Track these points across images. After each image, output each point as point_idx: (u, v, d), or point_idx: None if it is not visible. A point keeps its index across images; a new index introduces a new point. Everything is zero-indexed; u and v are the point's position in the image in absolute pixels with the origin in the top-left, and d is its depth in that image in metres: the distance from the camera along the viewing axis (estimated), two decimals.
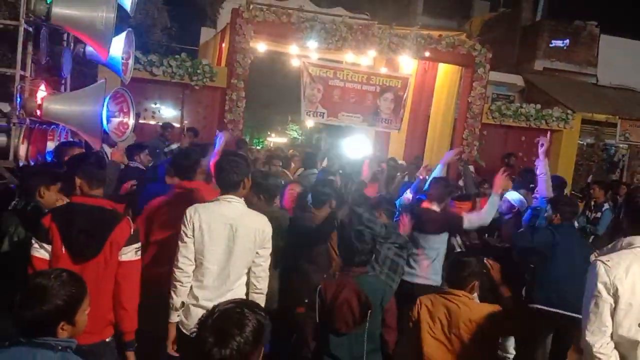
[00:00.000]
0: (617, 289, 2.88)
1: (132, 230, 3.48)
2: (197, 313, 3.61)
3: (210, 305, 3.58)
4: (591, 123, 14.39)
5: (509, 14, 19.42)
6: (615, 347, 2.93)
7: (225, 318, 1.92)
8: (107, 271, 3.42)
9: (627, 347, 2.90)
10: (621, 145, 15.70)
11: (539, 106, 13.00)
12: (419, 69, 12.72)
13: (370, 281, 3.82)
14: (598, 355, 2.91)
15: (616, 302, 2.89)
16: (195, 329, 1.97)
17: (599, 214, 8.63)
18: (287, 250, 4.55)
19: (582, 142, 14.45)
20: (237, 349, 1.85)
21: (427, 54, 11.31)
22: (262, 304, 3.73)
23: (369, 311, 3.60)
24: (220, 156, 4.19)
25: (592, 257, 3.03)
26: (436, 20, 19.23)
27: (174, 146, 8.26)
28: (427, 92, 12.83)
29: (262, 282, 3.82)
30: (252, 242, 3.70)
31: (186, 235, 3.63)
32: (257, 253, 3.76)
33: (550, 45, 16.92)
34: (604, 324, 2.91)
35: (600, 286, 2.91)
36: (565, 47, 16.82)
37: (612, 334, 2.93)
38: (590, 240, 8.43)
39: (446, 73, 12.49)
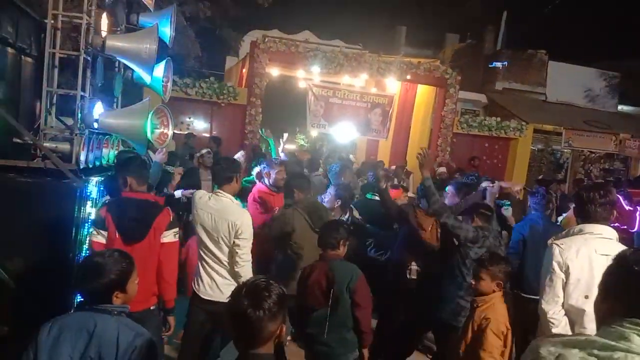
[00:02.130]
0: (568, 267, 2.86)
1: (171, 217, 3.50)
2: (205, 277, 3.78)
3: (211, 271, 3.73)
4: (541, 132, 14.36)
5: (475, 45, 19.43)
6: (566, 314, 2.91)
7: (256, 286, 1.95)
8: (152, 251, 3.44)
9: (575, 314, 2.89)
10: (565, 150, 15.71)
11: (499, 119, 12.98)
12: (402, 89, 12.68)
13: (340, 265, 3.63)
14: (551, 320, 2.89)
15: (567, 277, 2.88)
16: (230, 298, 1.99)
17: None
18: None
19: (534, 148, 14.40)
20: (268, 309, 1.88)
21: (408, 77, 11.31)
22: None
23: (332, 289, 3.45)
24: (219, 158, 4.30)
25: (549, 241, 3.00)
26: (416, 50, 19.18)
27: (204, 151, 8.20)
28: (409, 108, 12.80)
29: (239, 267, 3.70)
30: (227, 232, 3.67)
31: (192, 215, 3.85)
32: (234, 242, 3.68)
33: (490, 65, 17.05)
34: (557, 295, 2.89)
35: (555, 264, 2.89)
36: (502, 68, 16.87)
37: (563, 303, 2.91)
38: None
39: (424, 92, 12.47)
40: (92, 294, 2.21)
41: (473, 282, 3.34)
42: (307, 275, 3.63)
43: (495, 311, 3.20)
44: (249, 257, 3.75)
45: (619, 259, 1.48)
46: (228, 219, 3.67)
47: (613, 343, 1.34)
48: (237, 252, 3.69)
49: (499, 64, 17.02)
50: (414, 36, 21.51)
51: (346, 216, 5.00)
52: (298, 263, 4.44)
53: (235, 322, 1.93)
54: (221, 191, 3.77)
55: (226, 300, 3.69)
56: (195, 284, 3.82)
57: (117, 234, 3.39)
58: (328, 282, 3.48)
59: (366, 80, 12.05)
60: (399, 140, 12.82)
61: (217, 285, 3.77)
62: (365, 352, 3.66)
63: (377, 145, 13.39)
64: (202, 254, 3.79)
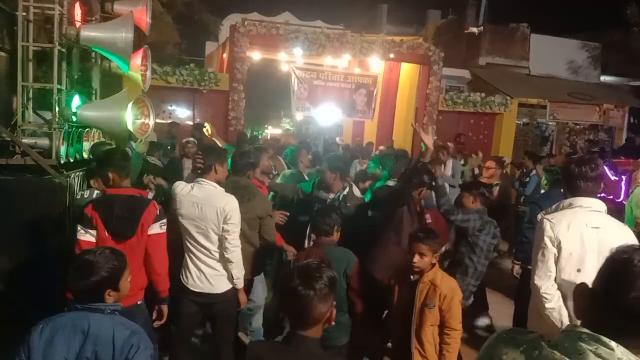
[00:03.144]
0: (560, 241, 2.87)
1: (157, 210, 3.45)
2: (193, 270, 3.75)
3: (200, 264, 3.69)
4: (526, 106, 14.38)
5: (457, 21, 19.36)
6: (558, 289, 2.92)
7: (308, 267, 2.00)
8: (139, 246, 3.41)
9: (567, 288, 2.89)
10: (550, 123, 15.80)
11: (483, 94, 12.96)
12: (385, 68, 12.62)
13: (335, 250, 3.65)
14: (544, 295, 2.90)
15: (559, 252, 2.88)
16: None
17: (527, 179, 8.64)
18: None
19: (519, 122, 14.44)
20: (319, 289, 1.91)
21: (391, 55, 11.21)
22: (237, 273, 3.74)
23: None
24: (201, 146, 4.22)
25: (539, 216, 3.00)
26: (398, 28, 19.10)
27: (187, 140, 8.07)
28: (393, 87, 12.74)
29: (230, 253, 3.68)
30: (215, 218, 3.63)
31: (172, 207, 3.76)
32: (223, 228, 3.65)
33: (466, 31, 17.22)
34: (549, 270, 2.90)
35: (546, 239, 2.89)
36: (478, 33, 17.21)
37: (555, 278, 2.92)
38: (522, 199, 8.44)
39: (408, 70, 12.41)
40: (83, 293, 2.17)
41: (415, 261, 3.35)
42: (298, 259, 3.62)
43: (450, 282, 3.40)
44: (239, 242, 3.73)
45: (617, 256, 1.31)
46: (215, 205, 3.63)
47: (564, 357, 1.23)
48: (226, 238, 3.65)
49: (474, 29, 17.17)
50: (396, 14, 21.41)
51: (345, 191, 4.89)
52: None
53: (285, 301, 1.97)
54: (204, 179, 3.70)
55: (217, 292, 3.68)
56: (184, 276, 3.78)
57: (106, 233, 3.33)
58: None
59: (349, 61, 11.96)
60: (384, 120, 12.79)
61: (205, 277, 3.72)
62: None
63: (363, 126, 13.36)
64: (189, 245, 3.74)
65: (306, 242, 5.02)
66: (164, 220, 3.51)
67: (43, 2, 4.34)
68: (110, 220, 3.32)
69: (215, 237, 3.68)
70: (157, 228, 3.45)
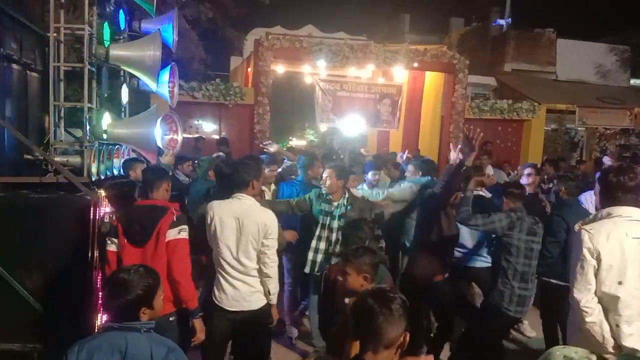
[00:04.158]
0: (599, 253, 2.77)
1: (174, 217, 3.46)
2: (228, 289, 3.65)
3: (235, 282, 3.60)
4: (554, 112, 14.16)
5: (480, 27, 19.21)
6: (599, 302, 2.82)
7: (382, 290, 2.01)
8: (158, 254, 3.42)
9: (608, 301, 2.79)
10: (580, 129, 15.50)
11: (510, 101, 12.79)
12: (409, 78, 12.55)
13: None
14: (584, 308, 2.79)
15: (599, 264, 2.78)
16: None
17: (550, 185, 8.46)
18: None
19: (547, 128, 14.21)
20: (394, 310, 1.90)
21: (415, 64, 11.15)
22: (273, 288, 3.69)
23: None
24: (237, 159, 4.18)
25: (577, 227, 2.91)
26: (421, 37, 19.04)
27: (215, 155, 8.12)
28: (418, 96, 12.66)
29: (268, 268, 3.66)
30: (256, 233, 3.58)
31: (206, 224, 3.67)
32: (262, 243, 3.61)
33: (493, 24, 16.96)
34: (589, 283, 2.79)
35: (585, 251, 2.79)
36: (506, 25, 16.78)
37: (595, 290, 2.82)
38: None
39: (432, 79, 12.32)
40: (118, 311, 2.17)
41: (340, 279, 3.17)
42: (335, 277, 3.54)
43: None
44: (276, 257, 3.70)
45: None
46: (256, 220, 3.58)
47: None
48: (265, 253, 3.61)
49: (502, 22, 16.93)
50: (418, 23, 21.37)
51: (347, 195, 4.82)
52: None
53: (358, 321, 1.95)
54: (242, 194, 3.65)
55: (253, 309, 3.62)
56: (216, 296, 3.71)
57: (125, 240, 3.46)
58: None
59: (373, 71, 11.93)
60: (410, 129, 12.70)
61: (242, 295, 3.65)
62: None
63: (388, 136, 13.30)
64: (224, 263, 3.65)
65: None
66: (184, 227, 3.49)
67: (73, 23, 4.44)
68: (128, 228, 3.44)
69: (254, 252, 3.62)
70: (175, 233, 3.44)
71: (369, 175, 6.43)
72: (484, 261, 5.01)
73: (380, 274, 3.52)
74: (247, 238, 3.58)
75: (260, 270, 3.67)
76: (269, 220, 3.63)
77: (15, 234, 3.98)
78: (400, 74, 12.11)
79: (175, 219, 3.46)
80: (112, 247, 3.50)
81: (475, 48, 17.11)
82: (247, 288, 3.66)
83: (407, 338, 1.96)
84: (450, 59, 11.43)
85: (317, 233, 4.71)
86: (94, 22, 4.37)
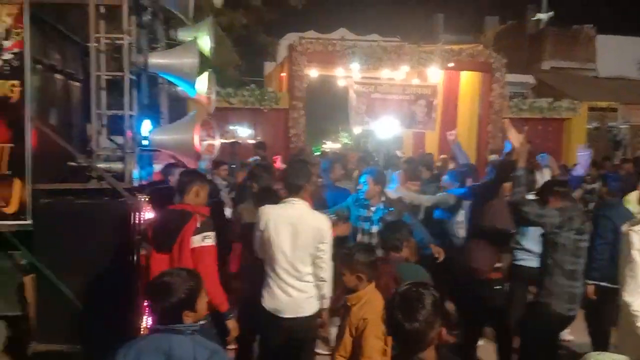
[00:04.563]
0: None
1: (198, 223, 3.45)
2: (280, 296, 3.59)
3: (289, 288, 3.58)
4: (595, 110, 13.77)
5: (517, 25, 18.88)
6: None
7: (407, 298, 1.93)
8: (183, 258, 3.42)
9: None
10: (623, 127, 15.02)
11: (550, 99, 12.50)
12: (445, 78, 12.40)
13: (408, 268, 3.53)
14: (634, 312, 2.70)
15: None
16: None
17: (594, 185, 8.20)
18: None
19: (589, 127, 13.82)
20: (424, 320, 1.87)
21: (451, 64, 11.03)
22: (327, 292, 3.66)
23: None
24: (289, 163, 4.15)
25: (625, 228, 2.81)
26: (455, 36, 18.84)
27: (252, 159, 8.23)
28: (454, 96, 12.50)
29: (324, 272, 3.63)
30: (311, 237, 3.54)
31: (258, 229, 3.62)
32: (317, 247, 3.58)
33: (533, 18, 16.54)
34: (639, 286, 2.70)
35: (634, 253, 2.71)
36: (547, 19, 16.19)
37: None
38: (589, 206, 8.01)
39: (468, 79, 12.16)
40: (162, 314, 2.21)
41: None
42: (377, 280, 3.50)
43: (373, 309, 2.90)
44: (331, 261, 3.67)
45: None
46: (312, 224, 3.56)
47: None
48: (321, 258, 3.58)
49: (543, 16, 16.54)
50: (453, 23, 21.17)
51: (383, 198, 4.79)
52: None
53: (392, 332, 1.96)
54: (295, 199, 3.62)
55: (306, 315, 3.61)
56: (268, 302, 3.66)
57: (152, 246, 3.52)
58: (397, 286, 3.38)
59: (407, 73, 11.84)
60: (446, 130, 12.46)
61: (295, 302, 3.60)
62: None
63: (423, 137, 13.17)
64: (278, 269, 3.60)
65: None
66: (208, 233, 3.46)
67: (113, 33, 4.57)
68: (155, 233, 3.51)
69: (309, 258, 3.59)
70: (199, 241, 3.43)
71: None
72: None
73: (419, 275, 3.48)
74: (303, 243, 3.53)
75: (315, 275, 3.63)
76: (324, 224, 3.61)
77: (61, 238, 4.12)
78: (435, 74, 11.98)
79: (199, 225, 3.44)
80: (144, 252, 3.61)
81: (511, 46, 16.82)
82: (300, 294, 3.60)
83: (444, 331, 1.95)
84: (487, 57, 11.27)
85: (358, 239, 4.66)
86: (132, 31, 4.47)
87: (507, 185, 4.37)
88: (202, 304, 2.31)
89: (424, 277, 3.48)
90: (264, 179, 4.66)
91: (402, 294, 1.96)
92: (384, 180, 4.85)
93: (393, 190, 5.62)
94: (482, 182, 4.84)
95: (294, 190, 3.62)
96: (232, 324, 3.57)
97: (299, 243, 3.53)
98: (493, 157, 9.50)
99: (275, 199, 3.97)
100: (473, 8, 22.78)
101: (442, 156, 10.61)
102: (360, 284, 3.00)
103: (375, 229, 4.57)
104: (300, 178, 3.63)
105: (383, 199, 4.75)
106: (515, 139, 3.97)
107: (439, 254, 4.39)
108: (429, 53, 10.80)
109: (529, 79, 15.72)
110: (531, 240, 4.87)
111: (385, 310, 1.97)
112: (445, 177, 6.15)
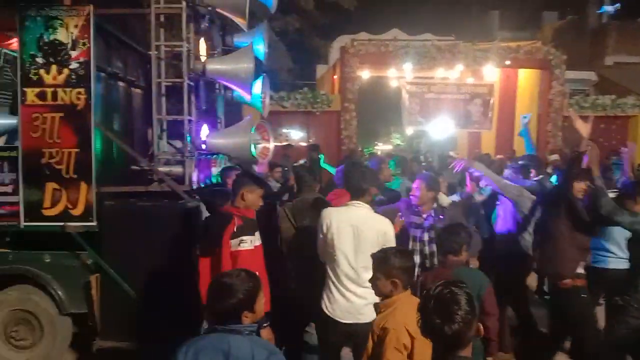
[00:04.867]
0: None
1: (235, 227, 3.47)
2: (340, 301, 3.51)
3: (348, 294, 3.51)
4: None
5: (577, 20, 18.17)
6: None
7: (441, 300, 1.88)
8: (223, 259, 3.43)
9: None
10: None
11: (613, 96, 11.96)
12: (502, 76, 12.12)
13: (466, 272, 3.40)
14: None
15: None
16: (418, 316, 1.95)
17: None
18: None
19: None
20: (463, 321, 1.84)
21: (508, 62, 10.79)
22: None
23: None
24: (351, 167, 4.10)
25: None
26: (512, 33, 18.32)
27: (302, 161, 8.29)
28: (511, 95, 12.20)
29: None
30: (375, 241, 3.44)
31: (320, 232, 3.58)
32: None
33: (597, 12, 15.80)
34: None
35: None
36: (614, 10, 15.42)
37: None
38: None
39: (526, 77, 11.87)
40: (221, 315, 2.24)
41: (371, 283, 2.91)
42: (431, 283, 3.41)
43: (395, 319, 2.69)
44: None
45: None
46: (375, 227, 3.50)
47: None
48: None
49: (610, 8, 15.82)
50: (508, 19, 20.59)
51: (434, 205, 4.63)
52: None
53: (430, 336, 1.92)
54: (358, 202, 3.56)
55: (365, 322, 3.55)
56: (329, 307, 3.58)
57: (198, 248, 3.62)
58: None
59: (461, 72, 11.64)
60: (503, 129, 12.23)
61: (355, 308, 3.51)
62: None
63: (479, 137, 12.90)
64: (340, 274, 3.53)
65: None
66: (244, 237, 3.47)
67: (172, 41, 4.71)
68: (201, 236, 3.64)
69: (370, 262, 3.58)
70: (235, 245, 3.45)
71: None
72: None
73: (479, 281, 3.38)
74: (366, 247, 3.42)
75: None
76: (387, 228, 3.54)
77: (124, 239, 4.29)
78: (491, 73, 11.72)
79: (235, 230, 3.44)
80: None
81: (571, 42, 16.17)
82: (360, 300, 3.50)
83: (481, 327, 1.92)
84: (546, 54, 10.94)
85: (409, 247, 4.53)
86: (191, 38, 4.60)
87: (578, 185, 4.16)
88: (260, 305, 2.33)
89: (484, 282, 3.39)
90: (306, 182, 4.60)
91: (436, 297, 1.90)
92: (437, 185, 4.66)
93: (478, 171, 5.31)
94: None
95: (357, 194, 3.57)
96: (265, 334, 3.43)
97: (362, 247, 3.45)
98: (553, 157, 9.17)
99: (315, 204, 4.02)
100: (530, 4, 22.09)
101: (498, 156, 10.34)
102: (395, 290, 2.80)
103: (426, 236, 4.42)
104: (365, 181, 3.59)
105: (435, 205, 4.59)
106: (582, 128, 3.78)
107: None
108: (484, 51, 10.60)
109: (591, 75, 15.09)
110: (612, 241, 4.63)
111: (420, 314, 1.92)
112: (506, 172, 5.87)
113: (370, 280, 2.90)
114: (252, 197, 3.62)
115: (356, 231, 3.48)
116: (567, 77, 11.81)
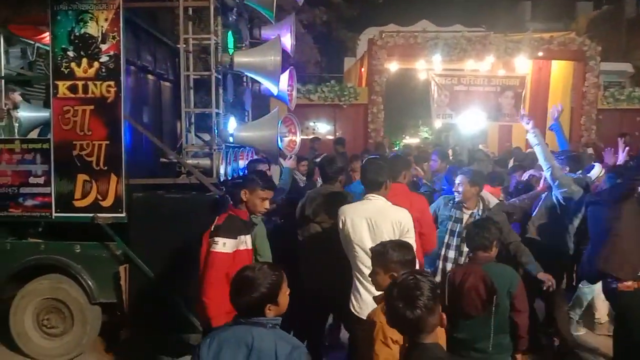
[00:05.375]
0: None
1: (212, 226, 3.29)
2: (366, 297, 3.41)
3: (372, 287, 3.42)
4: None
5: (613, 10, 17.67)
6: None
7: (406, 287, 1.97)
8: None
9: None
10: None
11: None
12: (534, 68, 11.83)
13: (497, 268, 3.32)
14: None
15: None
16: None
17: None
18: None
19: None
20: (424, 306, 1.92)
21: (540, 54, 10.56)
22: None
23: (495, 296, 3.14)
24: (367, 160, 4.03)
25: None
26: (544, 24, 17.89)
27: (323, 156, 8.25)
28: (544, 87, 11.90)
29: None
30: (391, 231, 3.40)
31: (339, 229, 3.54)
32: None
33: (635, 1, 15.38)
34: None
35: None
36: None
37: None
38: None
39: (560, 68, 11.57)
40: (245, 308, 2.25)
41: (371, 277, 2.84)
42: (461, 280, 3.35)
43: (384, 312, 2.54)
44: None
45: None
46: (390, 218, 3.44)
47: None
48: None
49: None
50: (541, 10, 20.16)
51: (481, 205, 4.48)
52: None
53: (394, 323, 2.01)
54: (373, 194, 3.52)
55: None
56: (355, 306, 3.52)
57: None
58: (487, 288, 3.18)
59: (492, 63, 11.43)
60: (535, 122, 11.89)
61: (367, 305, 3.37)
62: (519, 356, 3.41)
63: (510, 130, 12.66)
64: (362, 267, 3.46)
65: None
66: (217, 239, 3.19)
67: (200, 34, 4.73)
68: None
69: None
70: (211, 245, 3.22)
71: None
72: None
73: (509, 277, 3.31)
74: (383, 238, 3.32)
75: None
76: (405, 217, 3.46)
77: (152, 230, 4.35)
78: (523, 64, 11.47)
79: (212, 229, 3.26)
80: None
81: (607, 33, 15.76)
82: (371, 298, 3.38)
83: (444, 317, 1.99)
84: (580, 45, 10.67)
85: (445, 240, 4.43)
86: (219, 31, 4.62)
87: None
88: (284, 298, 2.33)
89: (514, 278, 3.31)
90: (327, 174, 4.25)
91: (399, 284, 1.99)
92: (480, 181, 4.51)
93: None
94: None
95: (373, 187, 3.54)
96: None
97: (379, 238, 3.35)
98: (588, 152, 8.96)
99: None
100: None
101: (529, 150, 10.13)
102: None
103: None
104: (382, 174, 3.56)
105: (481, 205, 4.38)
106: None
107: (549, 281, 3.92)
108: (516, 42, 10.40)
109: (627, 67, 14.66)
110: None
111: (385, 302, 2.01)
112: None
113: (370, 275, 2.89)
114: (252, 199, 3.41)
115: (372, 223, 3.44)
116: (602, 68, 11.48)
